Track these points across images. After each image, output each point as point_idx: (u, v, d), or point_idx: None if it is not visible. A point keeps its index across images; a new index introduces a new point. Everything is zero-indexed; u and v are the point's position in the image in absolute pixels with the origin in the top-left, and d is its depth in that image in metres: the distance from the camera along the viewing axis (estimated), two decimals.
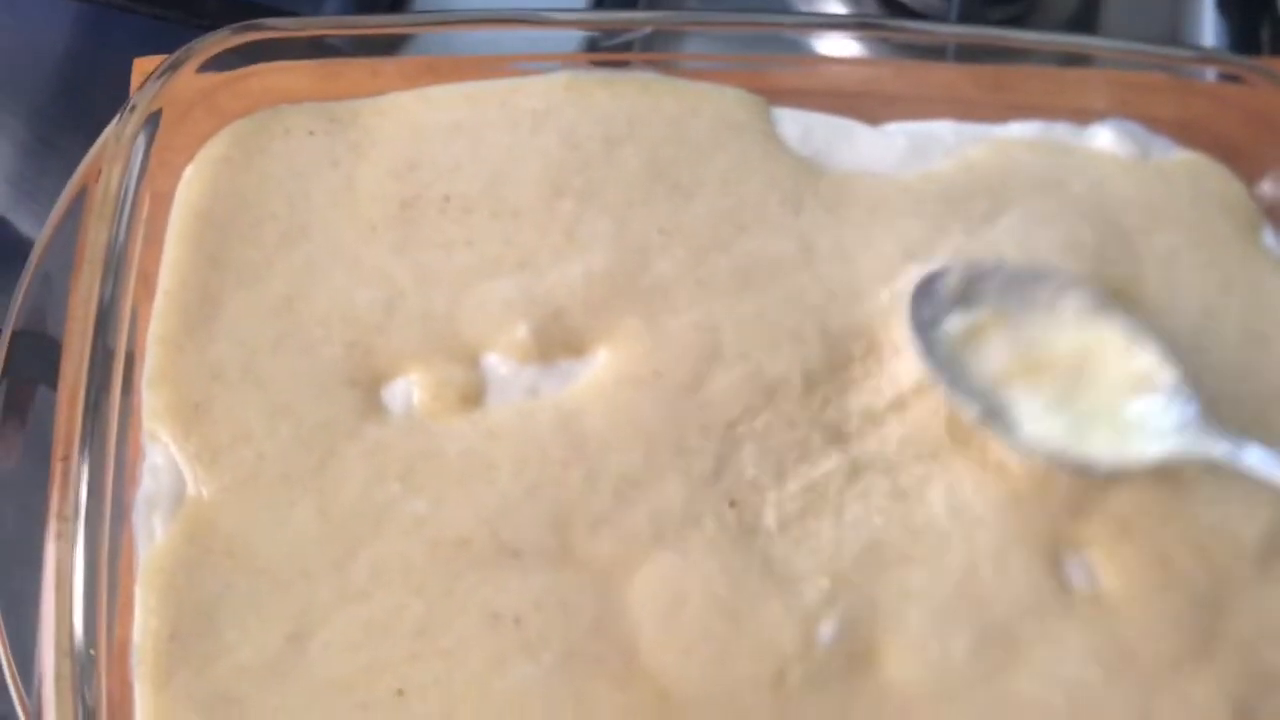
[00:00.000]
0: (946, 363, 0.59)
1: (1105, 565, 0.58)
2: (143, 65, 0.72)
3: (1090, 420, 0.58)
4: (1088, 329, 0.60)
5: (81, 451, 0.57)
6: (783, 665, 0.56)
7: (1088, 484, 0.58)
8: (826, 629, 0.57)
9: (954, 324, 0.60)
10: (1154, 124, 0.69)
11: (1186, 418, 0.57)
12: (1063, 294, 0.60)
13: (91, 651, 0.54)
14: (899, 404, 0.60)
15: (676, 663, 0.56)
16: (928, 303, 0.60)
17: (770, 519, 0.58)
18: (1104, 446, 0.58)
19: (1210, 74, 0.69)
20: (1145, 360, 0.59)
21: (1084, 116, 0.68)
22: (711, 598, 0.57)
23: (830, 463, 0.59)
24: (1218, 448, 0.56)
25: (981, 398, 0.59)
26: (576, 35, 0.69)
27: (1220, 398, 0.61)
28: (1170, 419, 0.57)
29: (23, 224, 0.82)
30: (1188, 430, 0.57)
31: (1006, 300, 0.61)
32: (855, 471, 0.59)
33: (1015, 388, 0.59)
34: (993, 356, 0.60)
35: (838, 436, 0.60)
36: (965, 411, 0.58)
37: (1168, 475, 0.59)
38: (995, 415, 0.59)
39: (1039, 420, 0.59)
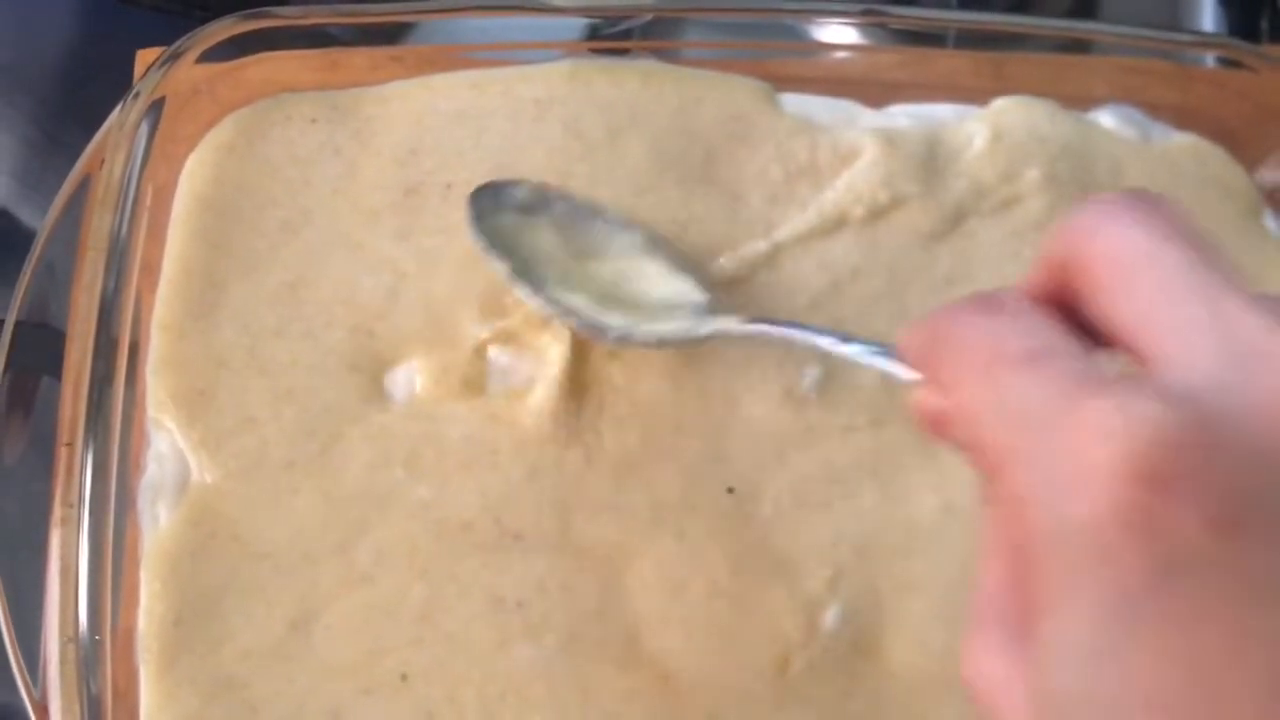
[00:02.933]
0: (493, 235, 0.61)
1: None
2: (146, 57, 0.72)
3: (617, 303, 0.60)
4: (635, 261, 0.62)
5: (85, 439, 0.57)
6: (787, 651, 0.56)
7: None
8: (830, 616, 0.57)
9: (514, 220, 0.62)
10: (1154, 110, 0.68)
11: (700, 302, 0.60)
12: (616, 231, 0.62)
13: (96, 638, 0.55)
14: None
15: (679, 647, 0.57)
16: (494, 202, 0.62)
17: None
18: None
19: (1211, 59, 0.68)
20: (682, 285, 0.60)
21: (1084, 103, 0.68)
22: (712, 584, 0.57)
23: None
24: (725, 322, 0.58)
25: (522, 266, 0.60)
26: (579, 22, 0.69)
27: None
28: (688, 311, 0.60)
29: (27, 217, 0.82)
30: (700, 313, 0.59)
31: (566, 225, 0.62)
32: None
33: (560, 280, 0.61)
34: (543, 249, 0.61)
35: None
36: (497, 267, 0.60)
37: None
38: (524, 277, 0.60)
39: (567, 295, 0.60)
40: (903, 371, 0.43)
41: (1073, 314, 0.36)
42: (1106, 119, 0.68)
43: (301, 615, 0.56)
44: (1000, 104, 0.67)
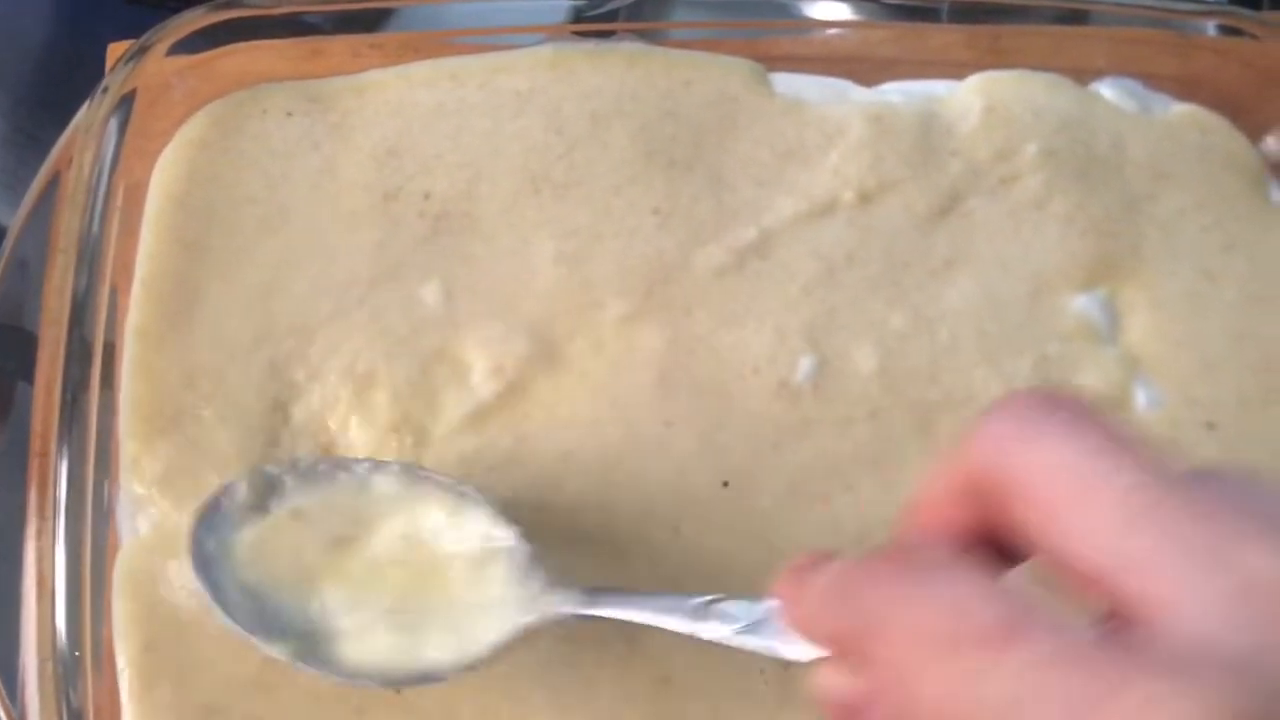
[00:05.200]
0: (247, 590, 0.51)
1: None
2: (117, 50, 0.70)
3: (426, 615, 0.51)
4: (408, 507, 0.53)
5: (60, 446, 0.55)
6: None
7: None
8: None
9: (248, 535, 0.52)
10: (1155, 81, 0.67)
11: (529, 575, 0.51)
12: (370, 477, 0.53)
13: (76, 654, 0.53)
14: None
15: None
16: (215, 529, 0.52)
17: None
18: (442, 643, 0.50)
19: (1211, 28, 0.67)
20: (477, 525, 0.52)
21: (1083, 75, 0.66)
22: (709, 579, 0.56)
23: None
24: (565, 603, 0.49)
25: (298, 623, 0.51)
26: (563, 4, 0.67)
27: (1216, 362, 0.60)
28: (514, 584, 0.51)
29: (4, 217, 0.80)
30: (532, 591, 0.50)
31: (311, 494, 0.53)
32: None
33: (337, 594, 0.51)
34: (305, 560, 0.52)
35: None
36: (272, 652, 0.50)
37: None
38: (315, 643, 0.50)
39: (366, 634, 0.50)
40: (794, 649, 0.37)
41: (985, 532, 0.33)
42: (1106, 92, 0.67)
43: None
44: (994, 76, 0.66)
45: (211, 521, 0.52)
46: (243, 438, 0.58)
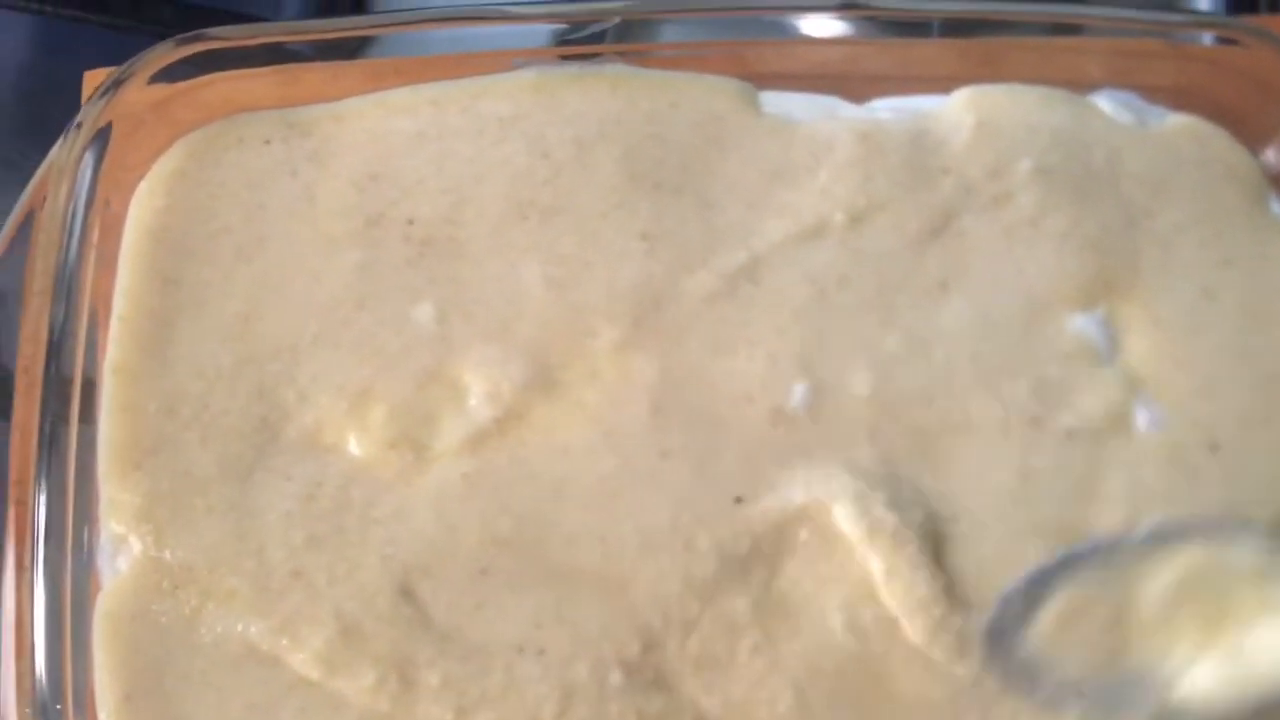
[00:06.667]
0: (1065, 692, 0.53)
1: None
2: (94, 79, 0.69)
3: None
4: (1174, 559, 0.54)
5: (37, 491, 0.55)
6: None
7: None
8: None
9: (1032, 642, 0.55)
10: (1151, 92, 0.66)
11: None
12: (1118, 549, 0.55)
13: (58, 707, 0.53)
14: None
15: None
16: (1002, 646, 0.54)
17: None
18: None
19: (1207, 38, 0.66)
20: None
21: (1077, 88, 0.65)
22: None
23: None
24: None
25: (1129, 699, 0.53)
26: (545, 29, 0.66)
27: (1217, 381, 0.59)
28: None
29: None
30: None
31: (1073, 582, 0.55)
32: None
33: (1138, 657, 0.53)
34: (1089, 640, 0.54)
35: None
36: None
37: None
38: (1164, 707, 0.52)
39: (1193, 672, 0.52)
40: None
41: None
42: (1101, 105, 0.65)
43: (260, 702, 0.54)
44: (984, 91, 0.65)
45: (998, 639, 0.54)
46: (226, 459, 0.57)
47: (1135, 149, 0.64)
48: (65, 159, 0.59)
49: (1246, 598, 0.52)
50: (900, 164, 0.62)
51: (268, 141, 0.63)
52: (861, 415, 0.58)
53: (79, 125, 0.60)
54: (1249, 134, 0.65)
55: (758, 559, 0.56)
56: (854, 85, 0.66)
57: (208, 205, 0.62)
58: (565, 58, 0.65)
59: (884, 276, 0.61)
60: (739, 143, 0.63)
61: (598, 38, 0.66)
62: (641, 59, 0.66)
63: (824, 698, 0.55)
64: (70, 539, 0.55)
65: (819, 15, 0.65)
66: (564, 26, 0.65)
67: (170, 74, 0.62)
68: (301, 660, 0.54)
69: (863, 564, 0.56)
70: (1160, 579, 0.53)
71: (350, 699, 0.54)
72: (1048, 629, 0.54)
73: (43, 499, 0.55)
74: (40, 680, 0.52)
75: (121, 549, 0.56)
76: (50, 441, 0.56)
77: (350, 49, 0.66)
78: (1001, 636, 0.54)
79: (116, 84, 0.61)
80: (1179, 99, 0.66)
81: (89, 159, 0.60)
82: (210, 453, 0.57)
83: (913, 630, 0.55)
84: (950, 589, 0.56)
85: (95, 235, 0.60)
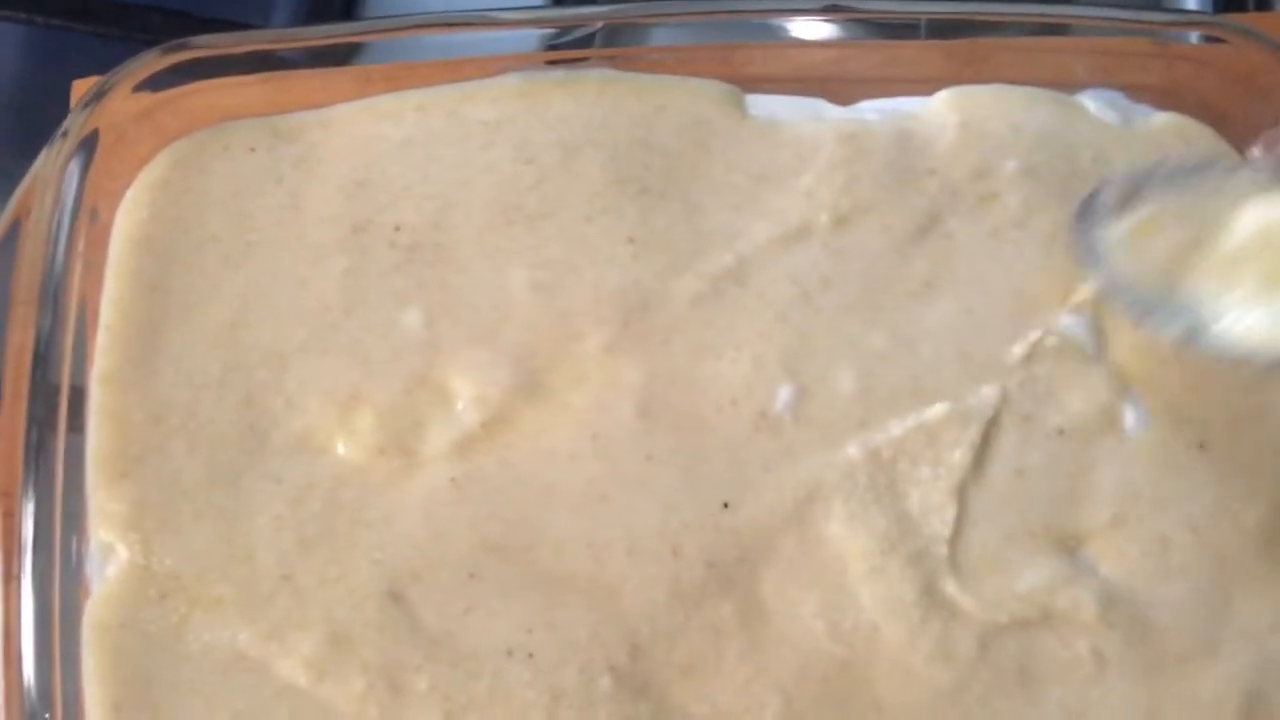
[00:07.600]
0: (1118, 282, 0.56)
1: None
2: (82, 87, 0.69)
3: None
4: (1269, 206, 0.55)
5: (24, 501, 0.55)
6: None
7: None
8: None
9: (1114, 232, 0.57)
10: (1137, 91, 0.66)
11: None
12: (1229, 177, 0.57)
13: (48, 716, 0.53)
14: None
15: None
16: (1087, 225, 0.57)
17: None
18: None
19: (1193, 37, 0.66)
20: None
21: (1063, 87, 0.66)
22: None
23: None
24: None
25: (1171, 310, 0.55)
26: (533, 34, 0.66)
27: (1205, 379, 0.59)
28: None
29: None
30: None
31: (1168, 196, 0.57)
32: None
33: (1195, 283, 0.55)
34: (1160, 253, 0.56)
35: None
36: (1167, 332, 0.55)
37: None
38: (1195, 329, 0.54)
39: (1239, 316, 0.54)
40: None
41: None
42: (1087, 104, 0.66)
43: (246, 710, 0.54)
44: (968, 91, 0.65)
45: (1086, 214, 0.57)
46: (214, 466, 0.57)
47: (1121, 148, 0.64)
48: (50, 168, 0.59)
49: None
50: (885, 165, 0.62)
51: (253, 149, 0.63)
52: (846, 415, 0.58)
53: (64, 134, 0.60)
54: (1234, 132, 0.65)
55: (744, 565, 0.56)
56: (840, 87, 0.66)
57: (194, 213, 0.62)
58: (552, 63, 0.65)
59: (869, 278, 0.61)
60: (725, 146, 0.63)
61: (584, 42, 0.66)
62: (628, 63, 0.66)
63: (811, 703, 0.55)
64: (58, 548, 0.55)
65: (804, 18, 0.65)
66: (551, 32, 0.66)
67: (155, 83, 0.62)
68: (290, 666, 0.54)
69: (847, 567, 0.56)
70: (1237, 230, 0.54)
71: (339, 705, 0.54)
72: (1127, 229, 0.56)
73: (30, 508, 0.55)
74: (29, 690, 0.52)
75: (110, 557, 0.56)
76: (37, 451, 0.56)
77: (338, 55, 0.65)
78: (1089, 216, 0.56)
79: (100, 93, 0.60)
80: (1165, 98, 0.66)
81: (74, 168, 0.60)
82: (198, 460, 0.57)
83: (893, 633, 0.55)
84: (931, 590, 0.56)
85: (81, 244, 0.60)
